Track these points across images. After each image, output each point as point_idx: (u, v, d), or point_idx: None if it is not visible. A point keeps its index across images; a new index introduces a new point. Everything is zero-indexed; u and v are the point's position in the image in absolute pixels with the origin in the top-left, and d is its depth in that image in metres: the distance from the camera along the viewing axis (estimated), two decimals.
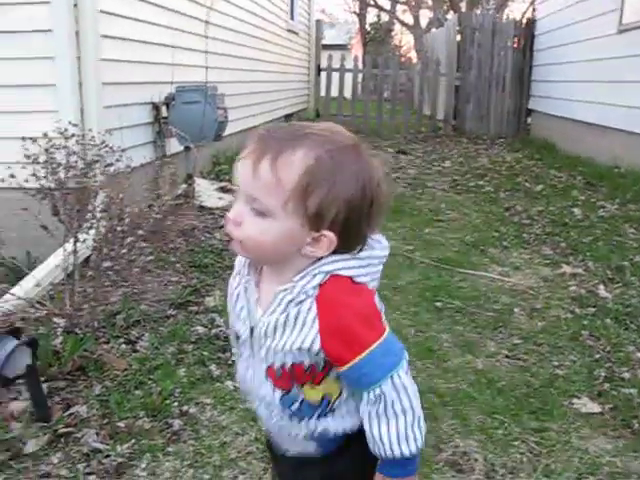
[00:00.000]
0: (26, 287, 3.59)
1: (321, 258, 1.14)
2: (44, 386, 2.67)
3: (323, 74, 12.76)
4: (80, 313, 3.16)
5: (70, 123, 3.75)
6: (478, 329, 3.51)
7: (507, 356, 3.21)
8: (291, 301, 1.14)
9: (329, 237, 1.10)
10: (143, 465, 2.32)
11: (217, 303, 3.54)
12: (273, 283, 1.18)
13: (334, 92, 12.34)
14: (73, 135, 3.51)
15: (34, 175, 3.36)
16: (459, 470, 2.36)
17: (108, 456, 2.38)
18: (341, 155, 1.08)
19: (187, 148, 5.44)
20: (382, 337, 1.13)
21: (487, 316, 3.67)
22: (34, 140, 3.57)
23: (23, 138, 3.85)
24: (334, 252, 1.15)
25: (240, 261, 1.27)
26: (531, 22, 11.88)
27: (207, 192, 5.37)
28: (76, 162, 3.38)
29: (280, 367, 1.19)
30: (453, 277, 4.29)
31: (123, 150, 3.89)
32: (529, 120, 11.85)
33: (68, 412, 2.60)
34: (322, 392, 1.20)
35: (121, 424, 2.51)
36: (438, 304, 3.82)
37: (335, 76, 12.39)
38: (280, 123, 1.17)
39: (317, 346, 1.12)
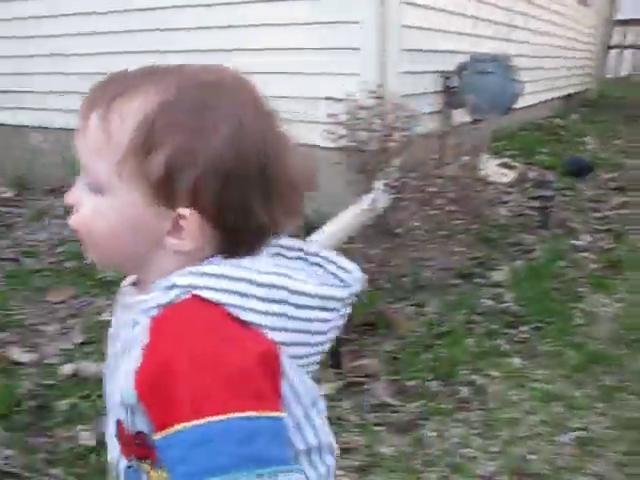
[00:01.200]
0: (316, 241, 3.77)
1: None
2: None
3: (612, 52, 11.85)
4: (367, 270, 3.25)
5: (376, 86, 3.84)
6: None
7: None
8: (132, 322, 0.77)
9: (189, 217, 0.73)
10: (431, 426, 2.34)
11: (504, 278, 3.46)
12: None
13: (624, 73, 11.43)
14: (378, 97, 3.58)
15: (334, 134, 3.51)
16: None
17: (396, 412, 2.43)
18: (204, 95, 0.74)
19: (474, 120, 5.34)
20: (231, 413, 0.67)
21: None
22: (338, 100, 3.72)
23: (327, 98, 4.05)
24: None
25: None
26: None
27: (489, 166, 5.26)
28: (378, 124, 3.47)
29: (116, 422, 0.79)
30: None
31: (414, 116, 3.92)
32: None
33: (358, 363, 2.69)
34: None
35: (410, 383, 2.55)
36: None
37: (627, 55, 11.46)
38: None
39: (133, 396, 0.72)
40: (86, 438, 2.27)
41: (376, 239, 3.44)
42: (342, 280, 0.80)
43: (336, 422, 2.38)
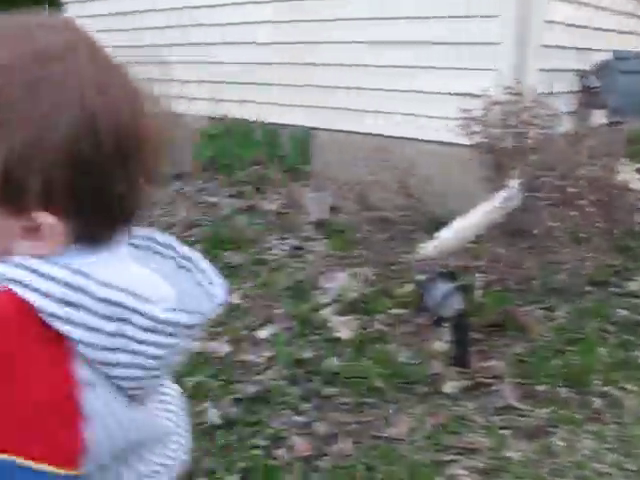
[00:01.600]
0: (445, 237, 3.71)
1: None
2: None
3: None
4: (496, 269, 3.18)
5: (515, 82, 3.74)
6: None
7: None
8: None
9: (45, 222, 0.60)
10: (561, 434, 2.26)
11: None
12: None
13: None
14: (517, 94, 3.49)
15: (467, 130, 3.45)
16: None
17: (524, 416, 2.36)
18: (42, 67, 0.59)
19: (612, 122, 5.09)
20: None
21: None
22: (471, 96, 3.65)
23: (458, 94, 3.98)
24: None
25: None
26: None
27: (626, 172, 5.00)
28: (513, 121, 3.38)
29: None
30: None
31: (556, 115, 3.78)
32: None
33: (486, 364, 2.64)
34: None
35: (539, 388, 2.47)
36: None
37: None
38: None
39: None
40: (213, 415, 2.35)
41: (506, 238, 3.35)
42: (208, 294, 0.69)
43: (460, 422, 2.35)
